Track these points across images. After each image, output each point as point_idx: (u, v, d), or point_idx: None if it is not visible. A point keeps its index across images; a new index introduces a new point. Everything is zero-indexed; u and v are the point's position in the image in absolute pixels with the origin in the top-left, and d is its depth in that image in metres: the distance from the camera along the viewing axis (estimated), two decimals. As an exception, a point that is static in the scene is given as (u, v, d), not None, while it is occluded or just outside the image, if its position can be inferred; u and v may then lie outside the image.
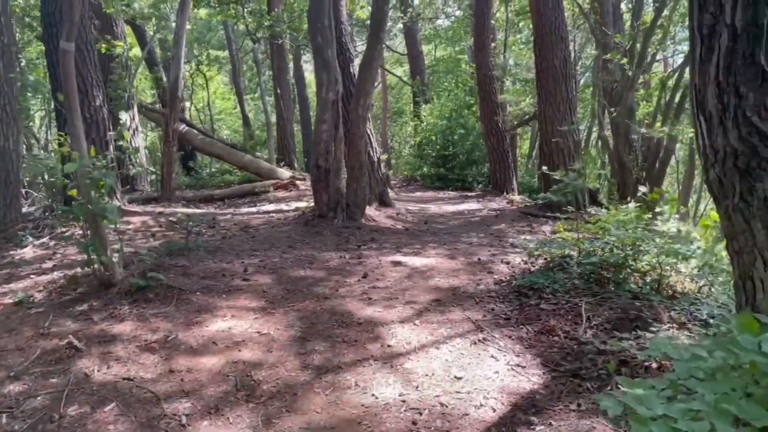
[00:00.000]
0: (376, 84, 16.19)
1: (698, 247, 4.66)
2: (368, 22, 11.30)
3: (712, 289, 4.64)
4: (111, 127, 9.49)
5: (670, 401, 1.66)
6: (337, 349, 3.82)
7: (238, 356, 3.70)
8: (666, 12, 10.03)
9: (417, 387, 3.29)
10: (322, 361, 3.65)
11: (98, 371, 3.48)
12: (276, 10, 15.27)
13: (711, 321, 3.87)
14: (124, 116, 9.67)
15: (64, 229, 7.31)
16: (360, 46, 20.40)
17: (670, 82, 11.17)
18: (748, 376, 1.70)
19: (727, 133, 2.54)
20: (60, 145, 5.85)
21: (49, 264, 5.97)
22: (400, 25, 22.12)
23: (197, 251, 6.14)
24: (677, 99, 10.68)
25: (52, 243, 6.93)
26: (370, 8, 11.31)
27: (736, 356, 1.67)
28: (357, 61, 10.63)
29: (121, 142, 9.50)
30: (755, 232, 2.51)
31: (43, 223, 7.75)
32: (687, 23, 2.95)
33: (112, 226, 4.94)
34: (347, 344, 3.89)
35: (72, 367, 3.52)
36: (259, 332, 4.08)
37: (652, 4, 13.05)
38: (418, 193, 14.27)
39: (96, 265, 4.77)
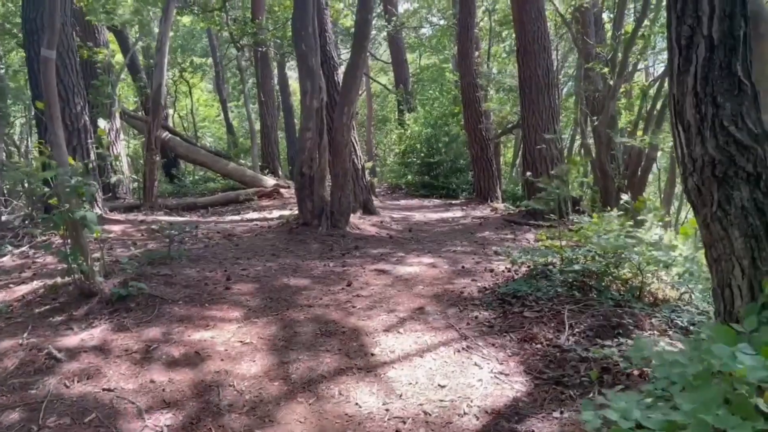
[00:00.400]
0: (360, 92, 16.24)
1: (679, 255, 4.71)
2: (352, 30, 11.33)
3: (693, 296, 4.69)
4: (93, 135, 9.40)
5: (649, 410, 1.68)
6: (320, 358, 3.81)
7: (221, 366, 3.66)
8: (647, 22, 10.16)
9: (401, 396, 3.29)
10: (305, 370, 3.63)
11: (78, 382, 3.42)
12: (260, 18, 15.29)
13: (691, 328, 3.92)
14: (102, 124, 9.63)
15: (44, 238, 7.21)
16: (344, 54, 20.44)
17: (651, 91, 11.31)
18: (726, 383, 1.72)
19: (705, 142, 2.58)
20: (40, 153, 5.78)
21: (28, 273, 5.88)
22: (385, 34, 22.24)
23: (179, 260, 6.09)
24: (658, 107, 10.81)
25: (31, 252, 6.82)
26: (354, 16, 11.34)
27: (713, 364, 1.68)
28: (341, 69, 10.63)
29: (99, 150, 9.42)
30: (733, 240, 2.55)
31: (22, 232, 7.62)
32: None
33: (93, 234, 4.88)
34: (331, 353, 3.88)
35: (51, 378, 3.46)
36: (241, 342, 4.05)
37: (633, 15, 13.24)
38: (403, 201, 14.30)
39: (76, 275, 4.70)
